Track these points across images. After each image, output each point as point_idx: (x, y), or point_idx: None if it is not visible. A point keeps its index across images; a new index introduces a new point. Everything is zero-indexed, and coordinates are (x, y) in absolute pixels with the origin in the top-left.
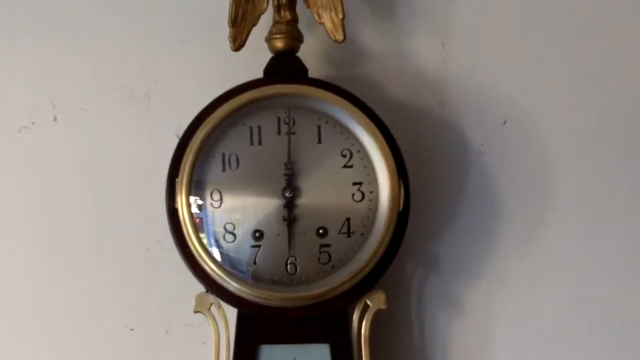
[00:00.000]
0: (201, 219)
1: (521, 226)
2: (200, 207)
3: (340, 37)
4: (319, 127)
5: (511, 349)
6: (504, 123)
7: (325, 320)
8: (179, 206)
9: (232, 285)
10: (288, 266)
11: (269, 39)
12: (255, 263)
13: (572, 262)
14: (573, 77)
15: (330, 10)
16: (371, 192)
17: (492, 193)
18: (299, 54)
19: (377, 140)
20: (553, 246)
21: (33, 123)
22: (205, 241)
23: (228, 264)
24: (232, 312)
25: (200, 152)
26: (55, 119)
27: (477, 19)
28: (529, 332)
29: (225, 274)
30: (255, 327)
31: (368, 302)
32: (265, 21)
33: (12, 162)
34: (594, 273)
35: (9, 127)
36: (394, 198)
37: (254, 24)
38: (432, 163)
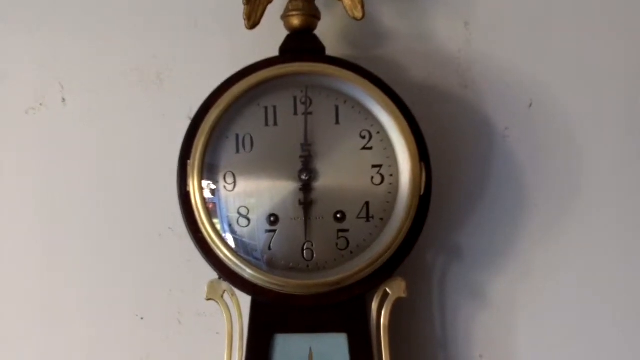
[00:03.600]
0: (214, 203)
1: (546, 213)
2: (213, 191)
3: (359, 14)
4: (336, 107)
5: (535, 339)
6: (530, 105)
7: (342, 308)
8: (190, 189)
9: (247, 272)
10: (304, 252)
11: (284, 17)
12: (270, 249)
13: (599, 251)
14: (600, 58)
15: None
16: (391, 175)
17: (517, 178)
18: (316, 32)
19: (397, 121)
20: (579, 234)
21: (41, 104)
22: (218, 226)
23: (242, 249)
24: (246, 300)
25: (213, 133)
26: (63, 100)
27: None
28: (553, 322)
29: (240, 260)
30: (270, 315)
31: (387, 290)
32: None
33: (20, 143)
34: (621, 262)
35: (16, 108)
36: (415, 181)
37: (270, 1)
38: (455, 146)
